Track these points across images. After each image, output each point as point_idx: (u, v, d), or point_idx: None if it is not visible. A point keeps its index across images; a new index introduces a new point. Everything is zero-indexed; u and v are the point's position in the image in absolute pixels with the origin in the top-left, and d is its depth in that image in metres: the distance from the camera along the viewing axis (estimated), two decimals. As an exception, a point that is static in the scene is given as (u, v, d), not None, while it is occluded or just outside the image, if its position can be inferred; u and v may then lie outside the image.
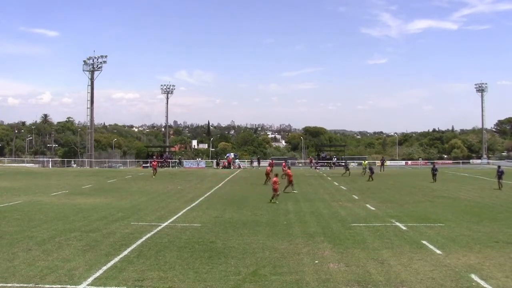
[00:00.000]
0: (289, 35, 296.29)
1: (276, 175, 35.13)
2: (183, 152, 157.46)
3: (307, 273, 14.58)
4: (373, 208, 29.87)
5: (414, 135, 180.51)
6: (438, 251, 17.68)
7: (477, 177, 45.21)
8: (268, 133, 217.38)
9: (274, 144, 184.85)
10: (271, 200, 32.44)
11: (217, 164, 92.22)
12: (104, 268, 14.93)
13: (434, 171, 50.66)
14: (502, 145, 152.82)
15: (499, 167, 37.89)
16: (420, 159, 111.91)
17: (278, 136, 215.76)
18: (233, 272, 14.63)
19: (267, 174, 49.23)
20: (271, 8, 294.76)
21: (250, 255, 16.91)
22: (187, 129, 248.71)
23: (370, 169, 56.09)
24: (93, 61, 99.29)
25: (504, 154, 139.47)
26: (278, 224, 23.96)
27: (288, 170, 43.45)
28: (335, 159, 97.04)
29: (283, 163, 60.82)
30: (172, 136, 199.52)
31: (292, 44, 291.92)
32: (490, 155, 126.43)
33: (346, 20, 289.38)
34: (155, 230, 21.77)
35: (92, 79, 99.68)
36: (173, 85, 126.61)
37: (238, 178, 61.25)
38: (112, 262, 15.66)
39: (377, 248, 18.27)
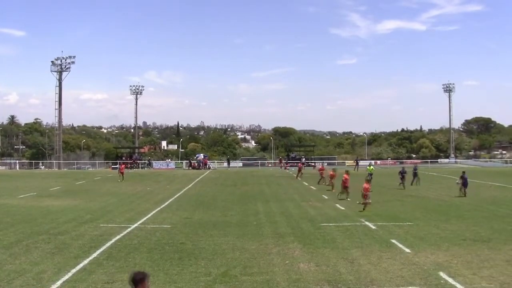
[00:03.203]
0: (258, 35, 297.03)
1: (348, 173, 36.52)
2: (152, 153, 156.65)
3: (277, 273, 14.64)
4: (342, 208, 30.03)
5: (383, 135, 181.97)
6: (407, 250, 17.88)
7: (445, 176, 45.79)
8: (237, 133, 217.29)
9: (244, 144, 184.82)
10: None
11: (190, 165, 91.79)
12: (73, 271, 14.82)
13: (402, 173, 45.01)
14: (469, 144, 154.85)
15: (463, 172, 36.52)
16: (389, 158, 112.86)
17: (248, 137, 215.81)
18: (203, 273, 14.63)
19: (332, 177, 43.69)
20: (240, 8, 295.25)
21: (220, 256, 16.93)
22: (156, 130, 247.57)
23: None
24: (61, 61, 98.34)
25: (471, 153, 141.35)
26: (248, 224, 24.00)
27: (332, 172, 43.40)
28: (304, 159, 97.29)
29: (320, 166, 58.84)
30: (141, 137, 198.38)
31: (261, 45, 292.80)
32: (457, 155, 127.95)
33: (316, 20, 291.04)
34: (125, 232, 21.65)
35: (60, 80, 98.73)
36: (142, 86, 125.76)
37: (208, 179, 61.12)
38: (81, 265, 15.55)
39: (347, 247, 18.40)
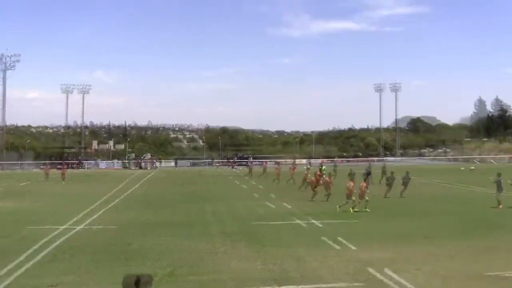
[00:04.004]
0: (208, 34, 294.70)
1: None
2: (99, 153, 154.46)
3: (224, 273, 14.66)
4: (289, 206, 30.20)
5: (330, 133, 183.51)
6: (353, 247, 18.09)
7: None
8: (186, 133, 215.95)
9: (192, 144, 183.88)
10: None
11: (139, 164, 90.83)
12: (16, 274, 14.50)
13: (368, 175, 43.59)
14: (414, 142, 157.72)
15: (407, 173, 35.80)
16: (336, 157, 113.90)
17: (195, 136, 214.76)
18: (150, 273, 14.46)
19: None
20: (189, 6, 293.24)
21: (167, 256, 16.83)
22: (103, 129, 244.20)
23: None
24: (5, 59, 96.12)
25: (416, 151, 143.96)
26: (196, 224, 23.92)
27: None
28: (252, 158, 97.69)
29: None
30: (88, 137, 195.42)
31: (211, 43, 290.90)
32: (403, 153, 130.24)
33: (265, 19, 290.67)
34: (70, 234, 21.30)
35: (4, 79, 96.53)
36: (89, 85, 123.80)
37: (156, 179, 60.71)
38: (24, 268, 15.23)
39: (293, 245, 18.52)
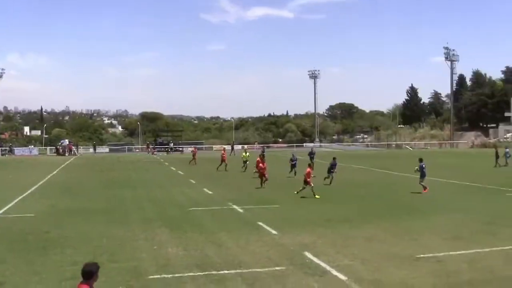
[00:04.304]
0: (127, 18, 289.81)
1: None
2: (14, 140, 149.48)
3: (145, 259, 14.55)
4: (210, 192, 30.24)
5: (250, 120, 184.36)
6: (274, 232, 18.31)
7: (304, 159, 47.11)
8: (104, 118, 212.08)
9: (111, 130, 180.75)
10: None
11: (57, 151, 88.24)
12: None
13: (293, 161, 41.42)
14: (333, 129, 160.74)
15: (334, 159, 35.49)
16: (256, 143, 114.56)
17: (114, 122, 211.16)
18: (69, 262, 14.21)
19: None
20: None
21: (87, 244, 16.55)
22: (18, 115, 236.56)
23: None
24: None
25: (334, 137, 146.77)
26: (116, 211, 23.61)
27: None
28: (172, 144, 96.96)
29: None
30: (1, 123, 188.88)
31: (130, 28, 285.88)
32: (322, 139, 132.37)
33: (185, 5, 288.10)
34: (-16, 222, 20.60)
35: None
36: (3, 69, 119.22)
37: (74, 165, 59.39)
38: None
39: (214, 231, 18.56)
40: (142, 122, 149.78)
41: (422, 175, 29.35)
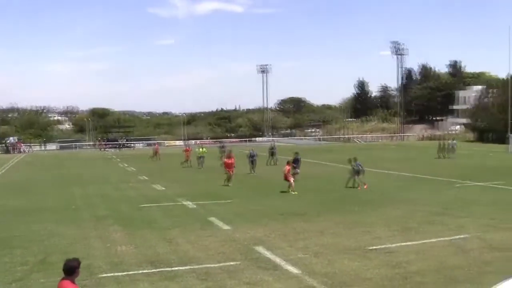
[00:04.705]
0: (73, 13, 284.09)
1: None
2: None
3: (98, 258, 14.41)
4: (162, 188, 30.11)
5: (201, 115, 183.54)
6: (226, 227, 18.37)
7: (263, 155, 47.05)
8: (53, 115, 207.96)
9: (60, 126, 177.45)
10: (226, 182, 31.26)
11: (7, 148, 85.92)
12: None
13: (252, 157, 39.71)
14: (285, 123, 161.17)
15: (296, 153, 35.12)
16: (208, 138, 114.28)
17: (63, 118, 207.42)
18: (20, 262, 13.99)
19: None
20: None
21: (37, 243, 16.30)
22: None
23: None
24: None
25: (286, 131, 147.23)
26: (66, 209, 23.27)
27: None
28: (124, 140, 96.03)
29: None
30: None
31: (78, 23, 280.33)
32: (273, 133, 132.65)
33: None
34: None
35: None
36: None
37: (22, 163, 58.27)
38: None
39: (166, 227, 18.52)
40: (92, 118, 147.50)
41: (360, 173, 29.22)
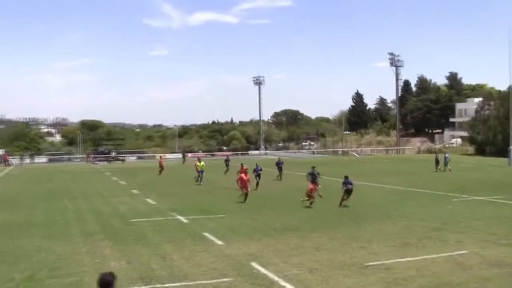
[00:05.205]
0: (64, 22, 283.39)
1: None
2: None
3: (87, 274, 14.05)
4: (153, 202, 29.71)
5: (194, 127, 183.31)
6: (219, 242, 18.05)
7: (270, 170, 46.56)
8: (42, 127, 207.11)
9: (49, 138, 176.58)
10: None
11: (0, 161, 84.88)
12: None
13: (257, 172, 37.57)
14: (279, 136, 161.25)
15: (313, 167, 35.41)
16: (200, 151, 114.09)
17: (53, 130, 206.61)
18: (6, 279, 13.61)
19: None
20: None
21: (25, 259, 15.91)
22: None
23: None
24: None
25: (280, 144, 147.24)
26: (55, 224, 22.85)
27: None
28: (114, 153, 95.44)
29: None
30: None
31: (68, 33, 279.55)
32: (267, 146, 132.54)
33: (127, 9, 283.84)
34: None
35: None
36: None
37: (10, 176, 57.67)
38: None
39: (158, 243, 18.16)
40: (82, 130, 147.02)
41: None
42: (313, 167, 31.56)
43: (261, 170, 37.56)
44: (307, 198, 27.26)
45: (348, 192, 26.67)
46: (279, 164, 45.23)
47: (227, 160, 54.59)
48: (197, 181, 41.64)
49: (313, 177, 29.83)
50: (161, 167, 53.45)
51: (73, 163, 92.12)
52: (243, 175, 30.04)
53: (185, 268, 14.58)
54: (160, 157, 63.49)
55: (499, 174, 47.66)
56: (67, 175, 57.07)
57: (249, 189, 29.68)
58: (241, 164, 35.64)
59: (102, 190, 38.09)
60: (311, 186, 27.64)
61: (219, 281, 13.28)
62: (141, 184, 41.92)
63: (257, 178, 37.12)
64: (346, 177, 27.02)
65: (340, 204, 26.65)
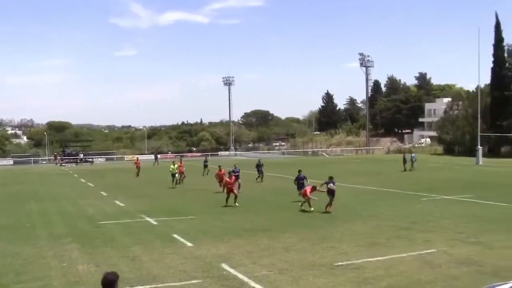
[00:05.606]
0: (29, 22, 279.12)
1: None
2: None
3: (54, 278, 13.86)
4: (122, 204, 29.42)
5: (163, 128, 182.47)
6: (189, 244, 17.94)
7: (228, 169, 46.34)
8: (7, 128, 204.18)
9: (15, 140, 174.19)
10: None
11: None
12: None
13: (235, 173, 33.50)
14: (249, 136, 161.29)
15: (259, 160, 35.46)
16: (169, 152, 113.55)
17: (19, 132, 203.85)
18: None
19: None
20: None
21: (-10, 263, 15.57)
22: None
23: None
24: None
25: (250, 145, 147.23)
26: (22, 227, 22.48)
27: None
28: (82, 155, 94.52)
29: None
30: None
31: (33, 32, 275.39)
32: (237, 147, 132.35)
33: (94, 8, 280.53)
34: None
35: None
36: None
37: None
38: None
39: (127, 245, 17.99)
40: (49, 132, 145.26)
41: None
42: (300, 171, 30.50)
43: (239, 172, 36.08)
44: (302, 202, 25.92)
45: (331, 192, 25.07)
46: (259, 166, 44.13)
47: (205, 162, 54.34)
48: (177, 183, 40.61)
49: (300, 182, 29.14)
50: (138, 168, 52.84)
51: (40, 165, 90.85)
52: (228, 178, 29.21)
53: (154, 270, 14.44)
54: (137, 158, 62.78)
55: (467, 174, 48.24)
56: (34, 177, 56.34)
57: (235, 190, 28.66)
58: (219, 166, 36.09)
59: (70, 192, 37.61)
60: (308, 189, 25.77)
61: (189, 283, 13.19)
62: (110, 186, 41.53)
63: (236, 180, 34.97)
64: (331, 178, 25.72)
65: (325, 210, 24.82)
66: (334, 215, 23.83)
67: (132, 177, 50.31)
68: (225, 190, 28.50)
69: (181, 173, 42.02)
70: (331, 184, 25.28)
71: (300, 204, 26.13)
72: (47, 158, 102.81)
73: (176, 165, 41.44)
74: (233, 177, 29.65)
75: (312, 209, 25.11)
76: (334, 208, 24.90)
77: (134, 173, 51.48)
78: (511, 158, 67.47)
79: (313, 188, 25.57)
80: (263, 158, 54.17)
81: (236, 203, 27.54)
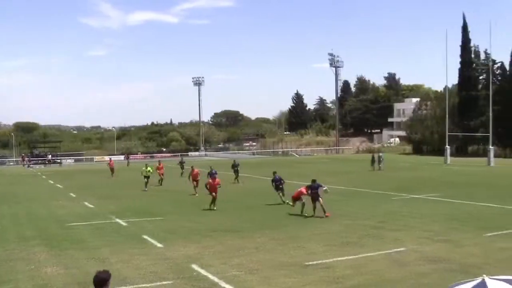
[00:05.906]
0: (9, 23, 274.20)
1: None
2: None
3: (21, 281, 13.69)
4: (92, 206, 29.16)
5: (133, 129, 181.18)
6: (159, 245, 17.87)
7: (200, 170, 46.01)
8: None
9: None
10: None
11: None
12: None
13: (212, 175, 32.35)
14: (218, 137, 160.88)
15: (234, 161, 35.85)
16: (139, 153, 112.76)
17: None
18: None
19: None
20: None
21: (-45, 267, 15.30)
22: None
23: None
24: None
25: (220, 145, 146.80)
26: (-12, 230, 22.12)
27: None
28: (50, 156, 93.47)
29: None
30: None
31: (9, 32, 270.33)
32: (207, 147, 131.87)
33: (62, 8, 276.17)
34: None
35: None
36: None
37: None
38: None
39: (97, 246, 17.85)
40: (16, 133, 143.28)
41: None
42: (275, 172, 29.50)
43: (216, 173, 34.97)
44: (292, 204, 24.86)
45: (313, 199, 23.63)
46: (235, 167, 43.72)
47: (181, 162, 53.87)
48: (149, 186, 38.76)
49: (277, 184, 28.48)
50: (112, 170, 52.65)
51: (7, 166, 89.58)
52: (211, 180, 28.11)
53: (124, 271, 14.31)
54: (110, 159, 62.20)
55: (436, 173, 48.77)
56: (1, 179, 55.55)
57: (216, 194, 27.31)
58: (192, 167, 35.93)
59: (38, 194, 37.12)
60: (303, 189, 24.43)
61: (159, 284, 13.14)
62: (79, 187, 41.10)
63: None
64: (314, 181, 24.26)
65: (314, 213, 23.53)
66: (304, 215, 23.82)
67: (104, 177, 50.06)
68: (212, 194, 27.16)
69: (161, 175, 41.69)
70: (313, 190, 23.72)
71: (299, 208, 24.34)
72: (14, 159, 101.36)
73: (149, 168, 39.35)
74: (217, 180, 28.42)
75: (293, 205, 24.58)
76: (306, 208, 23.95)
77: (109, 174, 51.26)
78: (478, 157, 68.27)
79: (308, 188, 24.10)
80: (227, 159, 54.05)
81: (215, 207, 26.69)
